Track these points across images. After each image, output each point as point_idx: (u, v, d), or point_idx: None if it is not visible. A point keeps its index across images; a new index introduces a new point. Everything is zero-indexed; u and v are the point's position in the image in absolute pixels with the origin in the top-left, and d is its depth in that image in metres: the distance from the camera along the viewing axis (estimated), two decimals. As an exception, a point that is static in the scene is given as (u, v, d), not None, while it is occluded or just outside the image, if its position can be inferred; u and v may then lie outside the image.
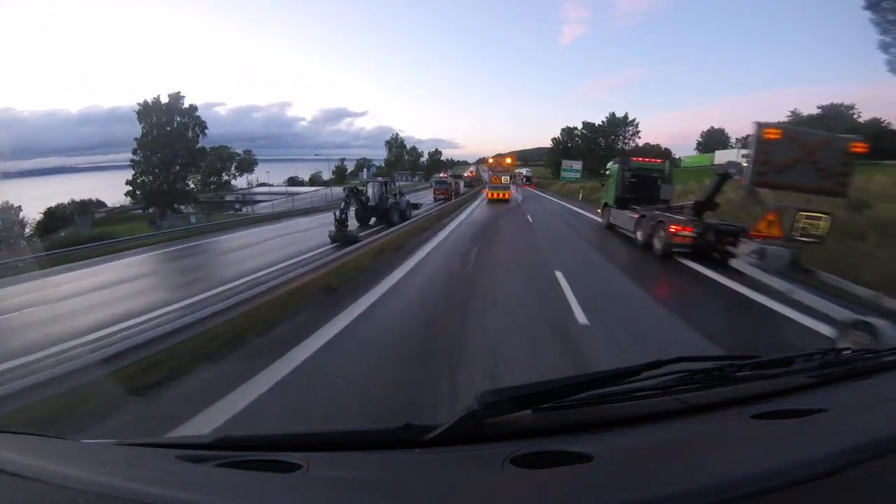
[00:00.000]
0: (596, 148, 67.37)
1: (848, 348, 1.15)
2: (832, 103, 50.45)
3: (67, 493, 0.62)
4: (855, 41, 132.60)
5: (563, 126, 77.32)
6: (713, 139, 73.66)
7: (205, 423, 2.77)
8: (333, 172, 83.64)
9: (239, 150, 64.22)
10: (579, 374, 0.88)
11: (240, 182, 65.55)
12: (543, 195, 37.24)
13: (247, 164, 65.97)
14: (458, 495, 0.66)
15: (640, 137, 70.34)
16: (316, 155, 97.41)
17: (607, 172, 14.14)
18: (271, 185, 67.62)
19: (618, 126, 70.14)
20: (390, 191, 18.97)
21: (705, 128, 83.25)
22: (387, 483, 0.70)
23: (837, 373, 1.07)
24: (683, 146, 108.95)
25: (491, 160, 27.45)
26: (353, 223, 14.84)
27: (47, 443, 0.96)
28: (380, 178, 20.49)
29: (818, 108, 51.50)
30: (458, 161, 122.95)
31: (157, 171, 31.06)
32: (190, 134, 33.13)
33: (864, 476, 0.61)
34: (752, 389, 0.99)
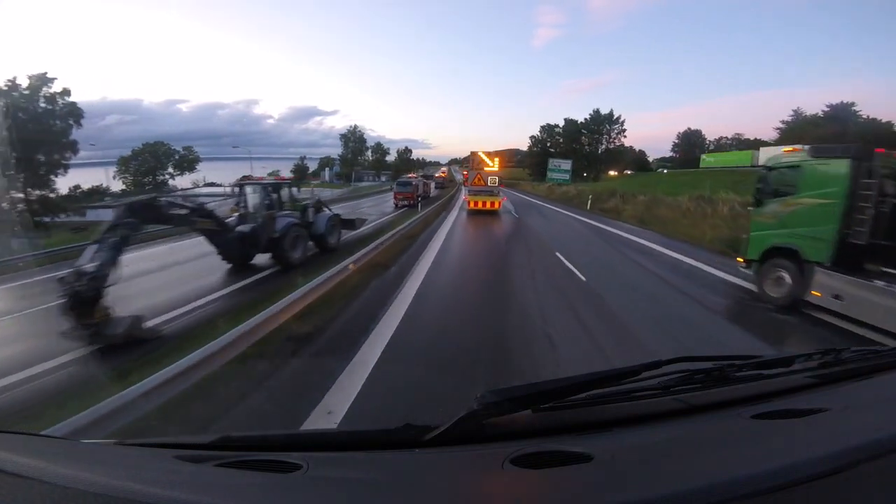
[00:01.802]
0: (579, 147, 64.34)
1: (848, 348, 1.14)
2: (842, 102, 49.64)
3: (67, 493, 0.62)
4: (833, 45, 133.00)
5: (543, 123, 73.10)
6: (689, 141, 73.37)
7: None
8: (293, 171, 75.35)
9: (179, 147, 59.18)
10: (579, 374, 0.89)
11: (183, 182, 59.64)
12: (536, 201, 29.83)
13: (187, 163, 59.86)
14: (458, 495, 0.66)
15: (625, 136, 68.03)
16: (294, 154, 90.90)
17: (770, 171, 6.82)
18: (219, 185, 61.98)
19: (602, 123, 67.03)
20: (296, 202, 10.68)
21: (676, 131, 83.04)
22: (387, 483, 0.70)
23: (837, 373, 1.07)
24: (658, 149, 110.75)
25: (480, 155, 20.20)
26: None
27: (47, 443, 0.96)
28: (269, 180, 10.68)
29: (826, 106, 50.69)
30: (431, 161, 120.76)
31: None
32: (58, 125, 25.73)
33: (864, 476, 0.61)
34: (752, 389, 0.99)
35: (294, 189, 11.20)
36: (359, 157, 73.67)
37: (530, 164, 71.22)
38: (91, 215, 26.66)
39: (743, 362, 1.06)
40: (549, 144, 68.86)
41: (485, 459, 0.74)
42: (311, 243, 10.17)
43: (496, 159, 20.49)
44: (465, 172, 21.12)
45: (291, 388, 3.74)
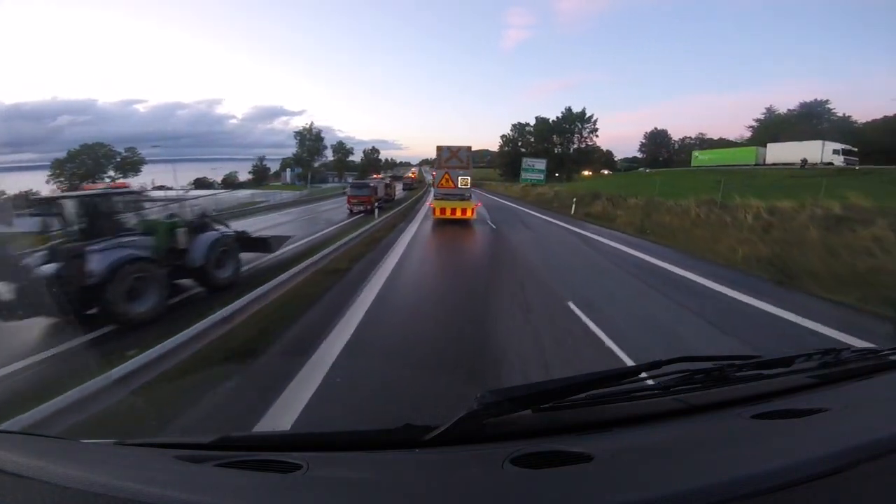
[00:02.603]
0: (550, 146, 63.08)
1: (847, 348, 1.15)
2: (815, 99, 50.29)
3: (67, 493, 0.62)
4: (792, 48, 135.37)
5: (514, 122, 71.79)
6: (656, 141, 73.68)
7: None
8: (251, 172, 71.68)
9: (121, 149, 54.90)
10: (579, 374, 0.89)
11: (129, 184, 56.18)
12: (512, 205, 26.08)
13: (131, 165, 55.30)
14: (458, 495, 0.66)
15: (597, 136, 67.16)
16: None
17: None
18: (170, 189, 57.62)
19: (574, 122, 66.02)
20: (144, 215, 6.96)
21: (641, 131, 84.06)
22: (387, 483, 0.70)
23: (837, 373, 1.07)
24: (622, 149, 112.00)
25: (448, 149, 16.04)
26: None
27: (47, 443, 0.96)
28: (99, 190, 7.00)
29: (800, 103, 51.37)
30: (402, 162, 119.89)
31: None
32: None
33: (864, 476, 0.61)
34: (752, 389, 0.99)
35: (178, 199, 7.81)
36: (316, 157, 66.31)
37: (501, 163, 69.65)
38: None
39: (743, 362, 1.07)
40: (520, 143, 67.58)
41: (485, 459, 0.74)
42: (189, 280, 6.98)
43: (467, 155, 15.89)
44: (434, 172, 16.52)
45: None
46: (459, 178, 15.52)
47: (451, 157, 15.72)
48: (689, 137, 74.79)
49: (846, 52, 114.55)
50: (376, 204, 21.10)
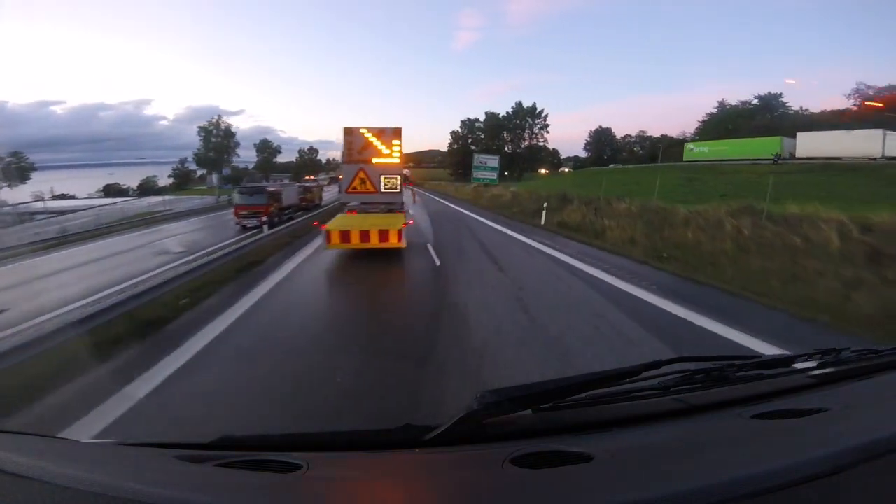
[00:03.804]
0: (500, 144, 60.66)
1: (847, 348, 1.15)
2: (769, 92, 50.25)
3: (67, 493, 0.62)
4: (740, 47, 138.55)
5: (464, 118, 68.11)
6: (600, 139, 74.09)
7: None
8: (171, 176, 62.98)
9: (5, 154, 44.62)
10: (579, 374, 0.89)
11: (20, 195, 45.45)
12: (464, 211, 20.37)
13: (17, 172, 47.29)
14: (458, 495, 0.66)
15: (548, 132, 65.26)
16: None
17: None
18: (73, 198, 51.73)
19: (524, 117, 63.66)
20: None
21: (584, 130, 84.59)
22: (387, 483, 0.70)
23: (837, 373, 1.07)
24: (568, 148, 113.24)
25: (364, 135, 9.85)
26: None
27: (47, 443, 0.96)
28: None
29: (755, 97, 51.29)
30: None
31: None
32: None
33: (864, 476, 0.61)
34: (752, 389, 0.99)
35: None
36: (225, 156, 56.30)
37: (451, 163, 66.31)
38: None
39: (743, 362, 1.07)
40: (470, 140, 64.82)
41: (485, 459, 0.74)
42: None
43: (395, 142, 9.99)
44: (340, 176, 10.51)
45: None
46: (384, 177, 9.84)
47: (367, 146, 9.86)
48: (630, 136, 75.56)
49: (776, 54, 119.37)
50: (274, 215, 15.52)
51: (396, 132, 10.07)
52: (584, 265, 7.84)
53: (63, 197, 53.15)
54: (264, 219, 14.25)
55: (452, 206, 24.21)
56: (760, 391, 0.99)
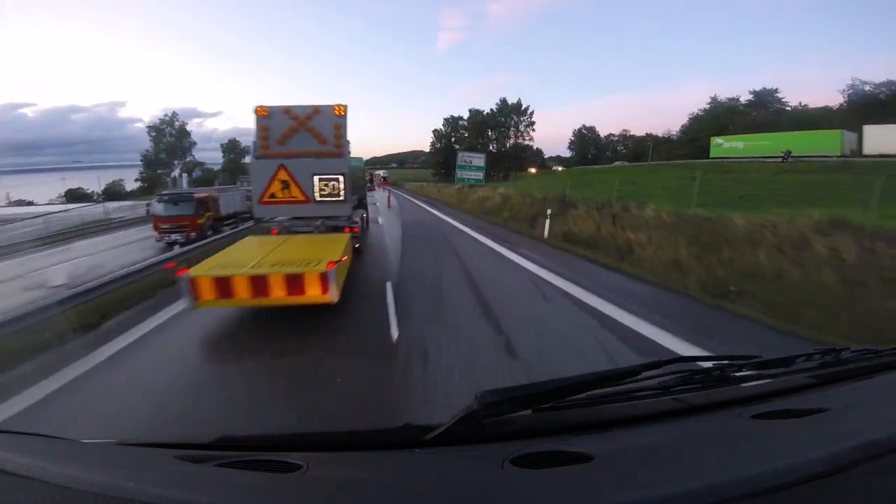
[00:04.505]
0: (485, 142, 58.25)
1: (847, 348, 1.15)
2: (764, 88, 49.97)
3: (67, 493, 0.62)
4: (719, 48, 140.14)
5: (447, 116, 65.60)
6: (584, 138, 74.19)
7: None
8: (137, 180, 57.75)
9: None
10: (579, 374, 0.89)
11: None
12: (447, 218, 17.17)
13: None
14: (458, 495, 0.66)
15: (534, 129, 62.62)
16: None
17: None
18: (31, 204, 48.37)
19: (510, 115, 61.07)
20: None
21: (567, 130, 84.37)
22: (387, 483, 0.70)
23: (837, 373, 1.07)
24: (552, 148, 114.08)
25: (286, 115, 6.68)
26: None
27: (47, 443, 0.96)
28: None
29: (750, 92, 50.92)
30: None
31: None
32: None
33: (864, 476, 0.61)
34: (752, 389, 1.00)
35: None
36: (179, 157, 51.13)
37: (434, 163, 63.64)
38: None
39: (743, 362, 1.07)
40: (454, 139, 62.08)
41: (485, 459, 0.74)
42: None
43: (336, 124, 7.20)
44: (279, 171, 7.22)
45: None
46: (319, 178, 7.01)
47: (292, 133, 7.04)
48: (613, 135, 75.40)
49: (756, 53, 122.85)
50: (232, 224, 12.68)
51: (337, 111, 7.13)
52: (631, 317, 4.89)
53: (20, 203, 50.66)
54: (191, 233, 11.84)
55: (433, 211, 20.74)
56: (760, 391, 0.99)
